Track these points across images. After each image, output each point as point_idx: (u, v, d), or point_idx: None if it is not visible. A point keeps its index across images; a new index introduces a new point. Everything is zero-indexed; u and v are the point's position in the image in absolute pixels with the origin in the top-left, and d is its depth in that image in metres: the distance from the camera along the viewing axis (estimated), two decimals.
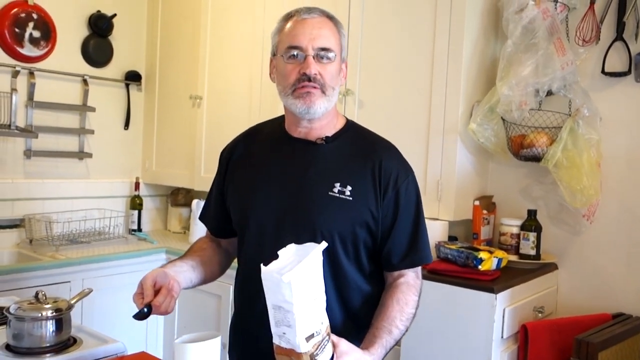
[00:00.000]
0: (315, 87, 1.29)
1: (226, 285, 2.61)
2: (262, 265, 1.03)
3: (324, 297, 1.11)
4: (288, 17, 1.35)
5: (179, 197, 3.51)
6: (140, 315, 1.21)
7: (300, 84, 1.29)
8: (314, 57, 1.29)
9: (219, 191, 1.50)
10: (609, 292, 2.18)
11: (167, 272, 1.29)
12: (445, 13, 2.23)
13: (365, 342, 1.26)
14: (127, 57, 3.36)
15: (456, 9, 2.21)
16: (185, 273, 1.37)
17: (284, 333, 1.05)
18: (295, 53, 1.29)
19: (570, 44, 2.17)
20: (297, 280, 1.01)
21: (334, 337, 1.14)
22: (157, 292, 1.24)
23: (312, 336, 1.05)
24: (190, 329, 2.35)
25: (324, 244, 1.10)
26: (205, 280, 1.46)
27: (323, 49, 1.29)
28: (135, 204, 3.38)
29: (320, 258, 1.10)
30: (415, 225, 1.37)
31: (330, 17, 1.35)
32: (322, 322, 1.10)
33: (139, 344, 2.87)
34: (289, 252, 1.09)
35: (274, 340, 1.08)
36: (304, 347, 1.04)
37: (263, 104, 2.81)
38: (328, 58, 1.30)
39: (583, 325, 1.92)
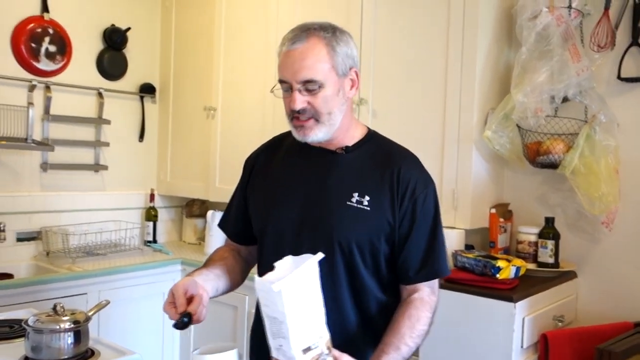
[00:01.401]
0: (306, 120, 1.30)
1: (242, 295, 2.61)
2: (256, 276, 1.03)
3: (323, 310, 1.10)
4: (282, 44, 1.33)
5: (193, 208, 3.52)
6: (181, 325, 1.20)
7: (293, 116, 1.32)
8: (299, 91, 1.29)
9: (241, 198, 1.51)
10: (629, 301, 2.14)
11: (197, 281, 1.29)
12: (458, 21, 2.23)
13: (373, 358, 1.24)
14: (141, 70, 3.39)
15: (469, 17, 2.20)
16: (211, 282, 1.36)
17: (281, 345, 1.03)
18: (284, 87, 1.32)
19: (585, 50, 2.15)
20: (288, 289, 1.00)
21: (335, 351, 1.12)
22: (188, 300, 1.23)
23: (309, 349, 1.04)
24: (207, 339, 2.35)
25: (320, 255, 1.09)
26: (228, 289, 1.45)
27: (307, 82, 1.28)
28: (151, 215, 3.40)
29: (316, 269, 1.08)
30: (431, 238, 1.35)
31: (321, 37, 1.30)
32: (320, 336, 1.08)
33: (155, 356, 2.87)
34: (285, 264, 1.08)
35: (272, 354, 1.06)
36: None
37: (277, 114, 2.81)
38: (314, 89, 1.29)
39: (604, 334, 1.88)
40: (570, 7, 2.13)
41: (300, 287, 1.04)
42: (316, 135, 1.31)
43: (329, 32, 1.31)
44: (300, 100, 1.28)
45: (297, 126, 1.32)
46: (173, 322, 1.20)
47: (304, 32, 1.30)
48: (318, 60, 1.28)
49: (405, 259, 1.33)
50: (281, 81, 1.32)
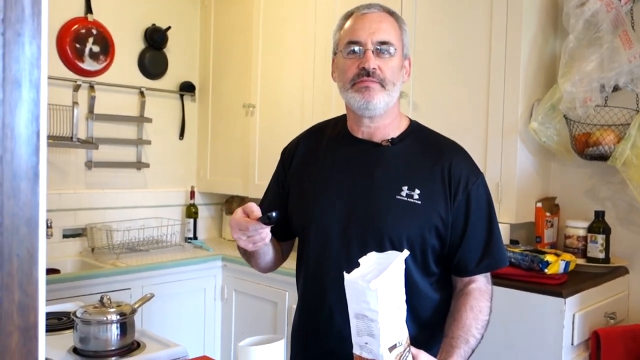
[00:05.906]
0: (374, 82, 1.26)
1: (282, 291, 2.61)
2: (345, 273, 1.01)
3: (405, 307, 1.08)
4: (348, 14, 1.33)
5: (233, 205, 3.53)
6: (267, 220, 1.17)
7: (359, 79, 1.26)
8: (373, 52, 1.26)
9: (277, 192, 1.47)
10: None
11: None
12: (501, 10, 2.17)
13: (443, 353, 1.22)
14: (181, 69, 3.43)
15: (513, 6, 2.14)
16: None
17: (366, 343, 1.02)
18: (354, 48, 1.27)
19: (637, 36, 2.06)
20: (383, 287, 0.98)
21: (413, 348, 1.10)
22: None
23: (394, 347, 1.02)
24: (247, 334, 2.35)
25: (406, 252, 1.06)
26: (268, 265, 1.42)
27: (383, 43, 1.26)
28: (191, 212, 3.43)
29: (403, 266, 1.06)
30: (488, 228, 1.32)
31: (391, 13, 1.33)
32: (403, 333, 1.07)
33: (197, 350, 2.90)
34: (370, 261, 1.06)
35: (354, 351, 1.04)
36: (387, 358, 1.01)
37: (315, 110, 2.80)
38: (388, 52, 1.27)
39: None
40: None
41: (392, 285, 1.02)
42: (379, 101, 1.26)
43: (395, 14, 1.34)
44: (374, 61, 1.25)
45: (362, 87, 1.26)
46: (260, 217, 1.17)
47: (376, 4, 1.32)
48: (393, 28, 1.30)
49: (464, 252, 1.31)
50: (350, 43, 1.27)
